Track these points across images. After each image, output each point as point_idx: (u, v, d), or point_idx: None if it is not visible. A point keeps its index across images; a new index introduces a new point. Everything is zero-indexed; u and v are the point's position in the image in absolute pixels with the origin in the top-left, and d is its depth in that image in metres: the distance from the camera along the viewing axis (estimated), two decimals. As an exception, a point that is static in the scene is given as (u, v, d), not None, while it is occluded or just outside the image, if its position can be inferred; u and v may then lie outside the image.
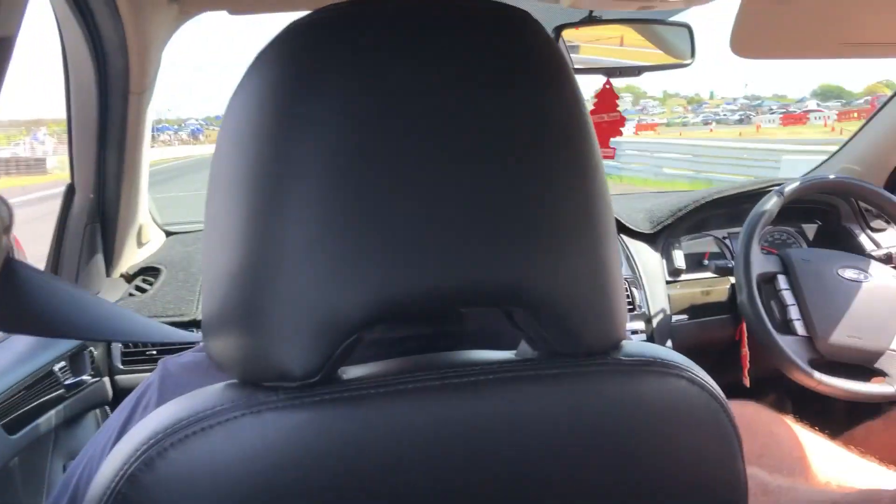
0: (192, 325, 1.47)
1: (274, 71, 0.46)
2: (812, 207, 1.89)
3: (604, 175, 0.52)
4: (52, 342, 1.28)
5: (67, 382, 1.31)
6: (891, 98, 1.86)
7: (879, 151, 1.90)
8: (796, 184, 1.62)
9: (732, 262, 1.69)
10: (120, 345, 1.47)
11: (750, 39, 1.20)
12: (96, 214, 1.51)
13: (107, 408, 1.47)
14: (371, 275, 0.44)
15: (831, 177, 1.71)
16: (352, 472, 0.44)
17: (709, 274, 1.78)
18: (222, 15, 1.39)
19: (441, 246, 0.45)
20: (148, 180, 1.65)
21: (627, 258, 1.73)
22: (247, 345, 0.46)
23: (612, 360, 0.51)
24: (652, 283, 1.71)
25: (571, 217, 0.48)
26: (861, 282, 1.56)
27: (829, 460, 1.20)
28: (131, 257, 1.67)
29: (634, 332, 1.63)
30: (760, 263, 1.58)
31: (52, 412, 1.26)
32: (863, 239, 1.81)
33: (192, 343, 1.01)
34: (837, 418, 1.74)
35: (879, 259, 1.66)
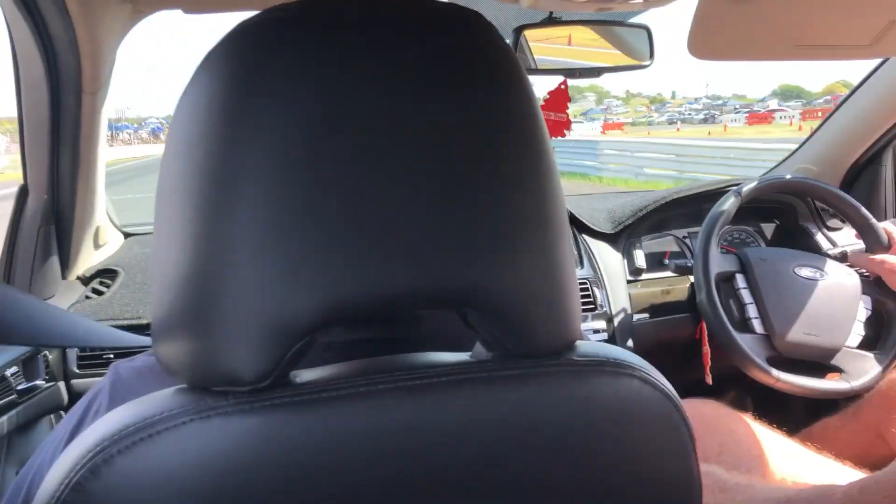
0: (150, 328, 1.44)
1: (222, 71, 0.45)
2: (770, 207, 1.92)
3: (557, 175, 0.52)
4: (4, 347, 1.25)
5: (20, 388, 1.28)
6: (845, 99, 1.89)
7: (835, 151, 1.93)
8: (753, 184, 1.64)
9: (692, 262, 1.71)
10: (76, 348, 1.44)
11: (706, 41, 1.22)
12: (51, 216, 1.48)
13: (62, 413, 1.44)
14: (320, 277, 0.44)
15: (788, 177, 1.74)
16: (302, 477, 0.44)
17: (669, 273, 1.79)
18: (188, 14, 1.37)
19: (391, 248, 0.44)
20: (105, 180, 1.62)
21: (589, 258, 1.74)
22: (196, 349, 0.45)
23: (565, 360, 0.51)
24: (613, 282, 1.72)
25: (524, 218, 0.48)
26: (817, 280, 1.59)
27: (787, 457, 1.22)
28: (88, 259, 1.63)
29: (596, 331, 1.64)
30: (719, 263, 1.60)
31: (4, 418, 1.23)
32: (819, 238, 1.84)
33: (146, 346, 0.99)
34: (797, 415, 1.77)
35: (835, 258, 1.69)
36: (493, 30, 0.50)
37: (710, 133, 28.46)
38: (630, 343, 1.67)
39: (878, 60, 1.73)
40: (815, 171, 1.95)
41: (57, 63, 1.30)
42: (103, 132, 1.50)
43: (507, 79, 0.49)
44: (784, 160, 2.11)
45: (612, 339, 1.65)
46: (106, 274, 1.62)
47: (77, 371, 1.43)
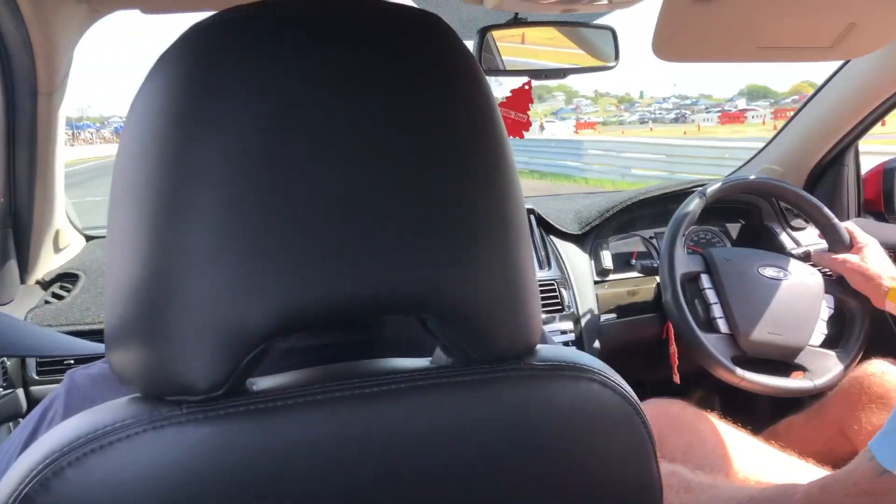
0: None
1: (175, 73, 0.44)
2: (736, 207, 1.94)
3: (516, 177, 0.52)
4: None
5: (-24, 395, 1.25)
6: (808, 100, 1.92)
7: (799, 152, 1.96)
8: (718, 185, 1.66)
9: (658, 262, 1.72)
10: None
11: (670, 43, 1.22)
12: (7, 218, 1.45)
13: (21, 420, 1.41)
14: (275, 284, 0.43)
15: (752, 177, 1.75)
16: (258, 486, 0.44)
17: (636, 273, 1.81)
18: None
19: (346, 253, 0.44)
20: (66, 181, 1.59)
21: (556, 259, 1.75)
22: (149, 357, 0.44)
23: (525, 365, 0.51)
24: (580, 283, 1.73)
25: (482, 222, 0.48)
26: (781, 280, 1.60)
27: (751, 455, 1.24)
28: (47, 263, 1.60)
29: (563, 332, 1.64)
30: (684, 263, 1.61)
31: None
32: (783, 237, 1.87)
33: (103, 354, 0.98)
34: (762, 413, 1.79)
35: (798, 257, 1.71)
36: (450, 32, 0.50)
37: (685, 133, 28.64)
38: (597, 344, 1.68)
39: (840, 62, 1.75)
40: (780, 172, 1.97)
41: (10, 64, 1.28)
42: (61, 133, 1.47)
43: (463, 81, 0.49)
44: (749, 160, 2.14)
45: (579, 340, 1.66)
46: (66, 278, 1.59)
47: (36, 378, 1.40)
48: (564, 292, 1.69)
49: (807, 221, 1.87)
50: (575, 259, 1.77)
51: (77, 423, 0.44)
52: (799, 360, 1.55)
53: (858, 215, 1.92)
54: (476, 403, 0.49)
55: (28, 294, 1.52)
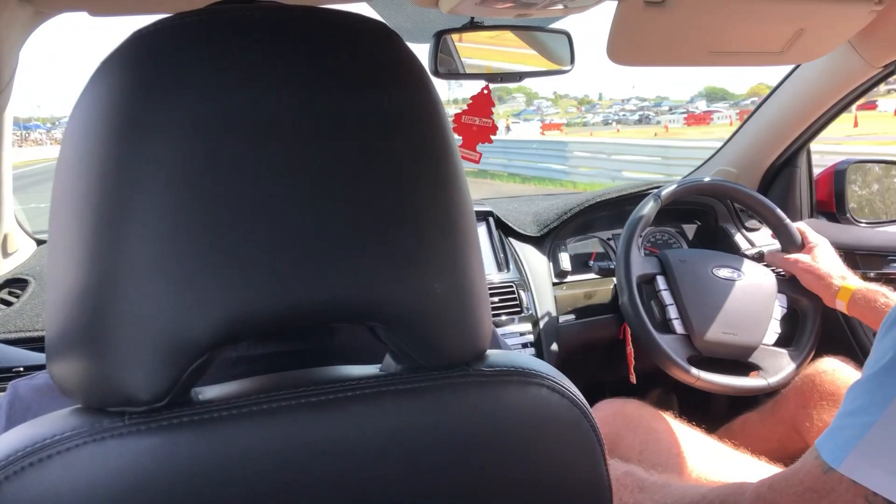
0: None
1: (117, 78, 0.44)
2: (692, 208, 1.97)
3: (465, 182, 0.52)
4: None
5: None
6: (761, 104, 1.95)
7: (753, 154, 1.99)
8: (673, 187, 1.68)
9: (615, 264, 1.73)
10: None
11: (625, 47, 1.24)
12: None
13: None
14: (218, 292, 0.43)
15: (706, 179, 1.78)
16: (200, 498, 0.43)
17: (593, 275, 1.82)
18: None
19: (290, 261, 0.44)
20: (14, 184, 1.55)
21: (515, 261, 1.75)
22: (90, 368, 0.43)
23: (473, 371, 0.51)
24: (539, 285, 1.73)
25: (429, 227, 0.48)
26: (734, 280, 1.63)
27: (705, 454, 1.25)
28: None
29: (522, 333, 1.65)
30: (640, 265, 1.63)
31: None
32: (738, 238, 1.90)
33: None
34: (718, 412, 1.82)
35: (752, 257, 1.74)
36: (396, 38, 0.50)
37: (655, 134, 28.72)
38: (555, 346, 1.68)
39: (791, 67, 1.79)
40: (735, 174, 2.00)
41: None
42: (8, 136, 1.44)
43: (409, 85, 0.49)
44: (705, 162, 2.16)
45: (538, 342, 1.66)
46: (15, 283, 1.55)
47: None
48: (523, 294, 1.69)
49: (760, 222, 1.90)
50: (533, 261, 1.78)
51: (14, 437, 0.43)
52: (753, 358, 1.57)
53: (811, 216, 1.95)
54: (423, 410, 0.49)
55: None
